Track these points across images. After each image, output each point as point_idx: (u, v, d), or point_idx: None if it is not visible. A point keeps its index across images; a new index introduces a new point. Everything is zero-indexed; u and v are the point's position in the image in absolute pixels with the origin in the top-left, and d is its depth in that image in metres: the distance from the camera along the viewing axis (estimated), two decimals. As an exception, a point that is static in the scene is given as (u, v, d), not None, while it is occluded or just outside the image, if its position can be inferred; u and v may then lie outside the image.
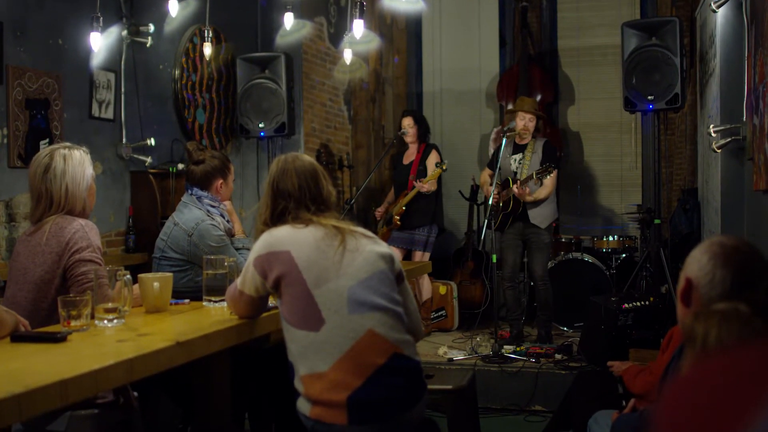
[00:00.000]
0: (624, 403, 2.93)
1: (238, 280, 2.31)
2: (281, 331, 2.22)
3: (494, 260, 5.10)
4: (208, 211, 3.15)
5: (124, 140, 5.02)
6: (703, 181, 5.89)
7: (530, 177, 5.04)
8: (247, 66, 5.75)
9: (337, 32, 6.65)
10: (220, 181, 3.22)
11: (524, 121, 5.28)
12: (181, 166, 5.12)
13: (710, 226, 5.29)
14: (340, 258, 2.16)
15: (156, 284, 2.54)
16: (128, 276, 2.36)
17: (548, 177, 5.04)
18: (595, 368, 4.18)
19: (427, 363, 4.65)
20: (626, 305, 4.34)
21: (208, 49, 4.51)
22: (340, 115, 6.92)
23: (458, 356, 4.93)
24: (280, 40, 5.95)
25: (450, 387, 3.09)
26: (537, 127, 5.39)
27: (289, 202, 2.28)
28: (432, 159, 5.68)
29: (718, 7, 4.16)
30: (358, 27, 4.25)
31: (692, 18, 6.42)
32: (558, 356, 4.79)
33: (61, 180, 2.55)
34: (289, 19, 4.79)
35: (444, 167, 5.47)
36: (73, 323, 2.15)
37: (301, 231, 2.21)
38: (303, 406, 2.11)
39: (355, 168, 6.99)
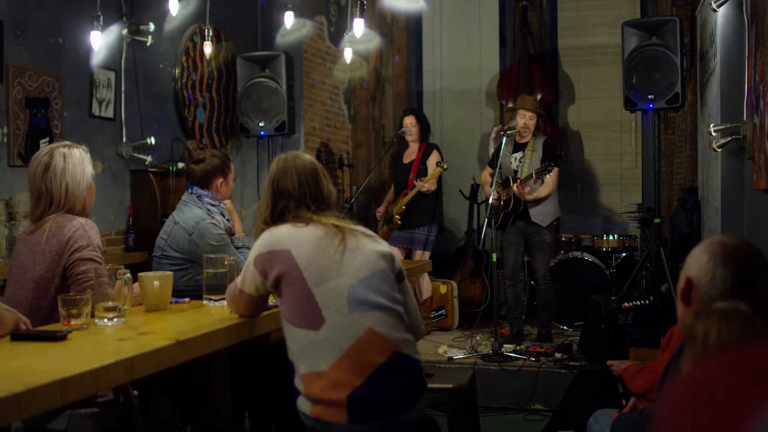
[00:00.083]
0: (624, 402, 2.93)
1: (239, 279, 2.31)
2: (281, 330, 2.21)
3: (494, 259, 5.10)
4: (209, 209, 3.15)
5: (124, 139, 5.02)
6: (703, 181, 5.89)
7: (530, 176, 5.04)
8: (247, 65, 5.75)
9: (338, 31, 6.65)
10: (221, 179, 3.22)
11: (524, 119, 5.27)
12: (181, 165, 5.12)
13: (710, 226, 5.29)
14: (341, 257, 2.16)
15: (156, 283, 2.54)
16: (128, 275, 2.36)
17: (549, 175, 5.03)
18: (595, 367, 4.18)
19: (427, 362, 4.65)
20: (626, 304, 4.34)
21: (208, 48, 4.51)
22: (340, 114, 6.92)
23: (458, 355, 4.93)
24: (281, 39, 5.95)
25: (450, 386, 3.08)
26: (537, 126, 5.39)
27: (290, 201, 2.28)
28: (433, 159, 5.68)
29: (719, 6, 4.15)
30: (359, 26, 4.25)
31: (692, 17, 6.42)
32: (558, 355, 4.79)
33: (61, 178, 2.55)
34: (289, 18, 4.79)
35: (444, 166, 5.47)
36: (73, 322, 2.15)
37: (301, 230, 2.21)
38: (303, 404, 2.11)
39: (355, 167, 6.99)
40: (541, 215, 5.19)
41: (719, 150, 4.18)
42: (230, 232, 3.20)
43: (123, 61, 5.04)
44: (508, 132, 5.19)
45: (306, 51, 6.24)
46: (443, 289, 6.10)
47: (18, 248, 2.56)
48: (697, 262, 1.67)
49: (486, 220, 4.89)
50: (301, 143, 6.14)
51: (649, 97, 4.96)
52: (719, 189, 4.71)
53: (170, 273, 2.66)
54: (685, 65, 5.09)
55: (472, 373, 3.36)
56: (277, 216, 2.28)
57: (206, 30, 4.48)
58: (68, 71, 4.58)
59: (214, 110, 5.92)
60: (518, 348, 4.94)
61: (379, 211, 5.98)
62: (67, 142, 2.66)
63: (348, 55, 5.15)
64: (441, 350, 5.06)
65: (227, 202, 3.29)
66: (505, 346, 4.95)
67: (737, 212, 4.13)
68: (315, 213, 2.26)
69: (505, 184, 5.25)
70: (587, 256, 5.94)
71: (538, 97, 6.89)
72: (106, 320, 2.26)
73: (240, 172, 5.98)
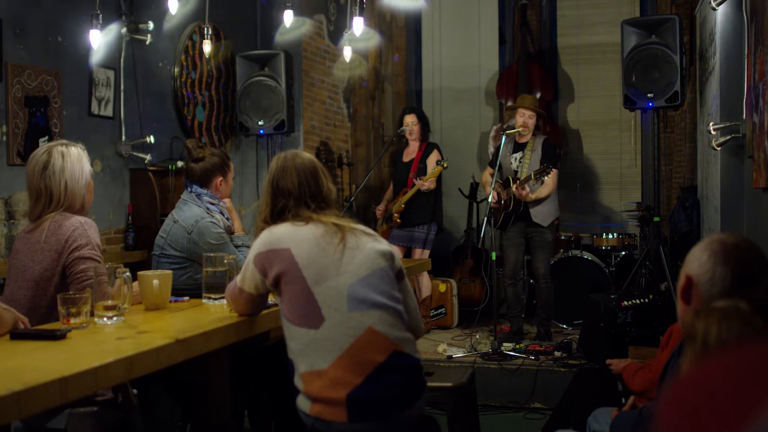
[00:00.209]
0: (623, 400, 2.93)
1: (238, 278, 2.31)
2: (281, 328, 2.21)
3: (494, 258, 5.10)
4: (208, 208, 3.14)
5: (123, 138, 5.02)
6: (702, 179, 5.88)
7: (529, 178, 5.03)
8: (246, 63, 5.74)
9: (337, 30, 6.64)
10: (220, 178, 3.22)
11: (524, 118, 5.27)
12: (180, 163, 5.12)
13: (710, 224, 5.28)
14: (340, 255, 2.16)
15: (155, 282, 2.54)
16: (128, 273, 2.36)
17: (548, 176, 5.03)
18: (595, 366, 4.18)
19: (426, 360, 4.65)
20: (625, 303, 4.34)
21: (207, 47, 4.51)
22: (339, 112, 6.91)
23: (458, 354, 4.93)
24: (280, 38, 5.95)
25: (450, 384, 3.09)
26: (537, 125, 5.39)
27: (289, 200, 2.27)
28: (433, 157, 5.67)
29: (718, 4, 4.15)
30: (358, 24, 4.24)
31: (692, 16, 6.42)
32: (557, 354, 4.79)
33: (60, 177, 2.54)
34: (288, 17, 4.79)
35: (444, 165, 5.47)
36: (72, 321, 2.15)
37: (301, 228, 2.21)
38: (303, 403, 2.11)
39: (354, 165, 6.99)
40: (542, 215, 5.19)
41: (719, 148, 4.18)
42: (230, 231, 3.19)
43: (122, 60, 5.03)
44: (508, 132, 5.18)
45: (305, 49, 6.24)
46: (443, 287, 6.10)
47: (17, 247, 2.55)
48: (697, 261, 1.67)
49: (485, 218, 4.89)
50: (301, 142, 6.14)
51: (649, 95, 4.96)
52: (719, 187, 4.71)
53: (169, 272, 2.66)
54: (685, 64, 5.09)
55: (472, 372, 3.36)
56: (276, 215, 2.28)
57: (205, 28, 4.47)
58: (67, 70, 4.58)
59: (214, 109, 5.92)
60: (518, 346, 4.94)
61: (379, 210, 5.98)
62: (64, 141, 2.66)
63: (347, 53, 5.15)
64: (440, 349, 5.06)
65: (226, 200, 3.29)
66: (504, 344, 4.95)
67: (737, 211, 4.13)
68: (315, 212, 2.26)
69: (505, 184, 5.25)
70: (587, 255, 5.94)
71: (538, 95, 6.89)
72: (105, 319, 2.26)
73: (239, 170, 5.98)
